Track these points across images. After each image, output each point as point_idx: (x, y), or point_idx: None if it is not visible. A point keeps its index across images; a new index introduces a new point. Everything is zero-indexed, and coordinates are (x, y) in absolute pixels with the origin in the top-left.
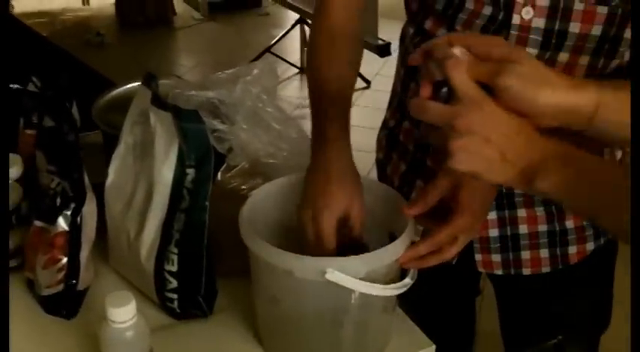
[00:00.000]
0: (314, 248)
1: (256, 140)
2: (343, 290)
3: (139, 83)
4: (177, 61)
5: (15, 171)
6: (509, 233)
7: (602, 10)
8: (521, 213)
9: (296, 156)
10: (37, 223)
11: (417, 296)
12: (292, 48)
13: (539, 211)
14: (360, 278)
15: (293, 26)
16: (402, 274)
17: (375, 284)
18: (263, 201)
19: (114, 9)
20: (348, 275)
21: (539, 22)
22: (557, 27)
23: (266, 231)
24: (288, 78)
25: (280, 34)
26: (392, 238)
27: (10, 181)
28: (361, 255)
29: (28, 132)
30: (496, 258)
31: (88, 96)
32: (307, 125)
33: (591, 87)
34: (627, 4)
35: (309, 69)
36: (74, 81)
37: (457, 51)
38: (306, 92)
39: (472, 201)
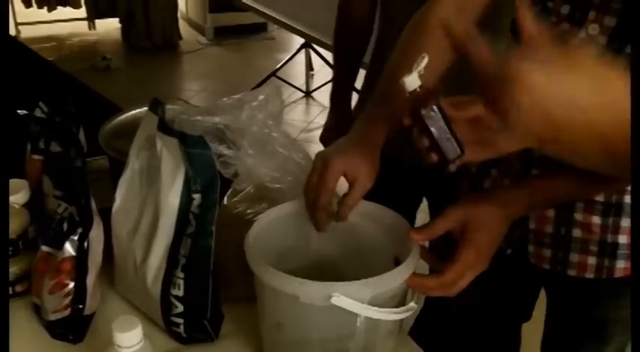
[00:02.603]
0: (313, 190)
1: (262, 165)
2: (349, 315)
3: (145, 108)
4: (183, 85)
5: (22, 196)
6: (563, 232)
7: None
8: (579, 217)
9: (302, 182)
10: (44, 248)
11: (468, 311)
12: (298, 72)
13: (596, 219)
14: (366, 303)
15: (298, 50)
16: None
17: (381, 309)
18: (269, 226)
19: (120, 33)
20: (353, 300)
21: (601, 39)
22: (615, 45)
23: (271, 256)
24: (294, 102)
25: (286, 59)
26: (397, 263)
27: (17, 206)
28: (366, 280)
29: (35, 157)
30: (546, 252)
31: (94, 121)
32: (313, 148)
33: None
34: None
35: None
36: (81, 106)
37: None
38: (311, 116)
39: (479, 237)
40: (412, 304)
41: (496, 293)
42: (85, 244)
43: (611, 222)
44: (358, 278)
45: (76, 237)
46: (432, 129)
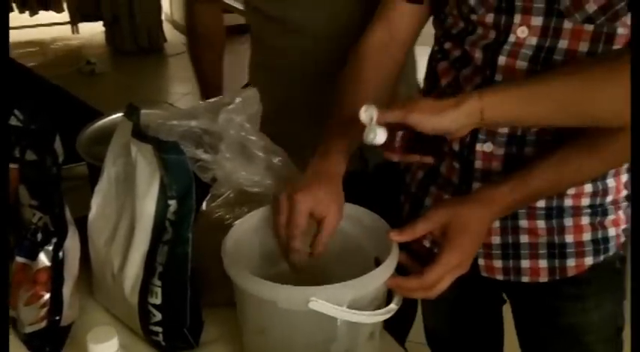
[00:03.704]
0: (283, 230)
1: (241, 169)
2: (329, 319)
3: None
4: (169, 88)
5: None
6: (510, 241)
7: (589, 28)
8: (523, 223)
9: (281, 184)
10: (19, 259)
11: (444, 308)
12: None
13: (540, 223)
14: (346, 305)
15: None
16: (388, 299)
17: (360, 312)
18: (247, 231)
19: (104, 37)
20: (332, 304)
21: (532, 40)
22: (547, 44)
23: (250, 261)
24: None
25: None
26: (377, 264)
27: None
28: (346, 282)
29: (12, 166)
30: (497, 263)
31: (74, 127)
32: None
33: (471, 98)
34: (613, 21)
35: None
36: (60, 112)
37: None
38: None
39: (461, 239)
40: (392, 305)
41: (463, 319)
42: (60, 254)
43: (555, 223)
44: (340, 280)
45: (50, 247)
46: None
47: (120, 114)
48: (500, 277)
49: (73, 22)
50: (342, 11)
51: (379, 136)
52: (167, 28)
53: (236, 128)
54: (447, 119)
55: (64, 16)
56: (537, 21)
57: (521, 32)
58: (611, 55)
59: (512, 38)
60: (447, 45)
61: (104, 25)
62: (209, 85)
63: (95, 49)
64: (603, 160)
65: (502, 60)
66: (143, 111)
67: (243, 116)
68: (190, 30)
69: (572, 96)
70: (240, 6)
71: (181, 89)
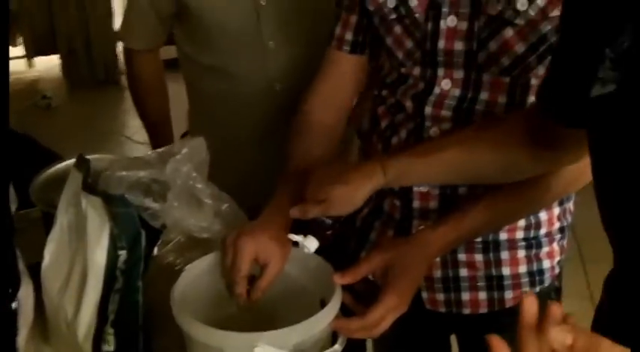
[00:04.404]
0: (228, 273)
1: (189, 216)
2: None
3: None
4: (127, 121)
5: None
6: (451, 274)
7: (506, 80)
8: (462, 257)
9: (229, 230)
10: None
11: (392, 341)
12: None
13: (478, 257)
14: (292, 348)
15: None
16: (333, 340)
17: None
18: (197, 276)
19: (60, 70)
20: (277, 348)
21: (456, 92)
22: (469, 95)
23: (200, 306)
24: None
25: None
26: (323, 305)
27: None
28: (291, 326)
29: None
30: (440, 296)
31: (28, 170)
32: None
33: (376, 174)
34: (526, 73)
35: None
36: (15, 155)
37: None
38: None
39: (401, 281)
40: (337, 347)
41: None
42: (14, 305)
43: (492, 256)
44: (287, 320)
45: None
46: None
47: (72, 160)
48: (443, 309)
49: (29, 55)
50: (284, 60)
51: (312, 247)
52: (123, 60)
53: (183, 177)
54: (360, 200)
55: (19, 49)
56: (459, 74)
57: (445, 84)
58: (498, 122)
59: (437, 90)
60: (384, 92)
61: (60, 58)
62: (157, 128)
63: (51, 82)
64: (529, 201)
65: (429, 110)
66: (94, 156)
67: (191, 165)
68: (131, 79)
69: (462, 163)
70: None
71: (138, 122)
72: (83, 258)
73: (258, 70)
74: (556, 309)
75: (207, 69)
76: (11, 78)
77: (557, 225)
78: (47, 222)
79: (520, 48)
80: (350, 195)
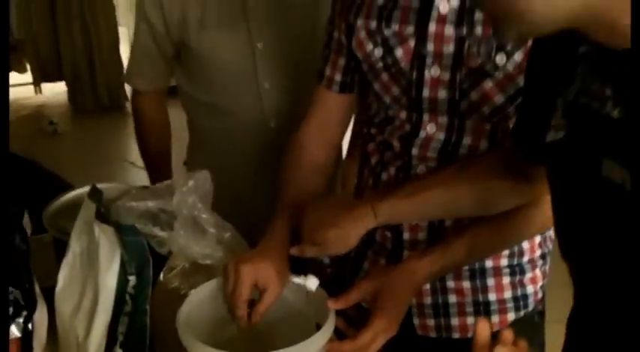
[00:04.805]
0: (230, 298)
1: (193, 244)
2: None
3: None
4: (131, 146)
5: None
6: (440, 301)
7: (487, 126)
8: (450, 284)
9: (231, 256)
10: None
11: None
12: None
13: (466, 284)
14: None
15: None
16: None
17: None
18: (201, 300)
19: (66, 96)
20: None
21: (440, 135)
22: (453, 139)
23: (204, 328)
24: None
25: None
26: (318, 329)
27: None
28: (288, 348)
29: None
30: (430, 322)
31: (40, 197)
32: None
33: (367, 215)
34: (506, 121)
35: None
36: (28, 183)
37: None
38: None
39: (390, 306)
40: None
41: None
42: (30, 326)
43: (478, 283)
44: (285, 341)
45: (21, 320)
46: None
47: (84, 189)
48: (433, 334)
49: (36, 82)
50: (278, 100)
51: (313, 286)
52: (128, 86)
53: (189, 208)
54: (354, 241)
55: (27, 76)
56: (443, 120)
57: (430, 128)
58: (479, 159)
59: (422, 133)
60: (373, 130)
61: (66, 85)
62: (155, 163)
63: (57, 108)
64: (511, 234)
65: (415, 151)
66: (104, 186)
67: (196, 196)
68: (137, 120)
69: (446, 202)
70: None
71: None
72: (95, 282)
73: (253, 108)
74: (507, 334)
75: (205, 105)
76: (19, 103)
77: (538, 252)
78: (58, 247)
79: (499, 99)
80: (344, 238)
